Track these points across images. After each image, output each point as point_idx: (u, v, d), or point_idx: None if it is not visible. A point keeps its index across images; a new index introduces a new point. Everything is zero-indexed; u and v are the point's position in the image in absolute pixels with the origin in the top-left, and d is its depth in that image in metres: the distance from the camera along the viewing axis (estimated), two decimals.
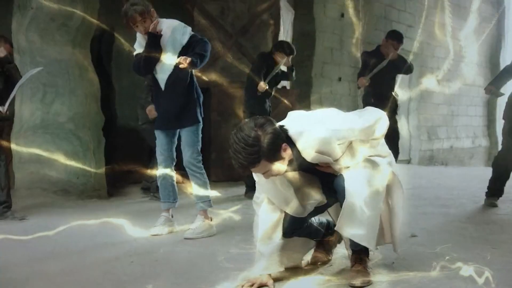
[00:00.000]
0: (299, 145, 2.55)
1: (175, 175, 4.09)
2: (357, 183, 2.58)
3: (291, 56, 5.72)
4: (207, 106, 6.12)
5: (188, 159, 3.90)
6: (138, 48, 3.89)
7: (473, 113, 12.77)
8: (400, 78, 6.69)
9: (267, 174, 2.53)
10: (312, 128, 2.56)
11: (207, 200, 3.98)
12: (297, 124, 2.60)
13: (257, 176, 2.69)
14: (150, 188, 5.71)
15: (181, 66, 3.64)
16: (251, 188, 5.79)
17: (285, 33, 7.82)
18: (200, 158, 3.95)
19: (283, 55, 5.65)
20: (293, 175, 2.69)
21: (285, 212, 2.72)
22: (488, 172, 5.28)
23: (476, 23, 12.48)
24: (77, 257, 3.33)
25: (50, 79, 5.60)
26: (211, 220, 3.99)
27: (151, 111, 5.29)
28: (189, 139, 3.89)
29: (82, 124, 5.72)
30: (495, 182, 5.11)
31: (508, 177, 5.13)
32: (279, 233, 2.71)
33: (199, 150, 3.95)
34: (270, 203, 2.72)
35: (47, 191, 5.54)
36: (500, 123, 6.39)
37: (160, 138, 3.99)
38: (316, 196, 2.76)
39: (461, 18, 11.94)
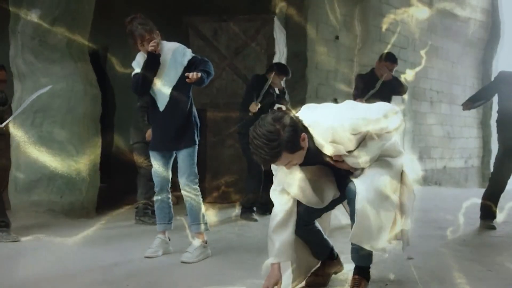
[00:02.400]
0: (314, 134, 2.62)
1: (170, 197, 4.08)
2: (369, 192, 2.62)
3: (284, 77, 5.76)
4: (203, 127, 6.12)
5: (184, 181, 3.89)
6: (137, 67, 3.88)
7: (467, 134, 12.84)
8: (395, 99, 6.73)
9: (289, 164, 2.61)
10: (327, 118, 2.62)
11: (203, 223, 3.96)
12: (312, 114, 2.67)
13: (275, 168, 2.76)
14: (136, 211, 5.59)
15: (188, 80, 3.65)
16: (247, 209, 5.78)
17: (280, 54, 7.87)
18: (197, 180, 3.94)
19: (278, 76, 5.72)
20: (309, 167, 2.75)
21: (300, 205, 2.78)
22: (482, 193, 5.29)
23: (468, 46, 12.67)
24: (72, 280, 3.30)
25: (48, 100, 5.59)
26: (206, 242, 3.97)
27: (150, 135, 5.25)
28: (186, 161, 3.88)
29: (81, 146, 5.70)
30: (488, 204, 5.12)
31: (498, 198, 5.15)
32: (291, 224, 2.77)
33: (196, 172, 3.94)
34: (285, 193, 2.78)
35: (38, 211, 5.51)
36: (495, 145, 6.42)
37: (156, 159, 3.97)
38: (330, 190, 2.82)
39: (452, 40, 12.09)
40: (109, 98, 7.86)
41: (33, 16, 5.48)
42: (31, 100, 4.32)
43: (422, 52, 10.48)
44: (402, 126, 2.71)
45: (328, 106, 2.76)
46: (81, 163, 5.67)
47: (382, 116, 2.65)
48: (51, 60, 5.63)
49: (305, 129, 2.61)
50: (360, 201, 2.60)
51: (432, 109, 11.67)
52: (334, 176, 2.86)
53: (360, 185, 2.64)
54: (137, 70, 3.87)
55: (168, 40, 3.97)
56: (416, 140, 11.07)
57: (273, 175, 2.86)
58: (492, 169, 5.34)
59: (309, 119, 2.65)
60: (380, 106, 2.75)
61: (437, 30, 11.61)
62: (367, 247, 2.63)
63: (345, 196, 2.80)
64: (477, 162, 13.21)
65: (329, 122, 2.61)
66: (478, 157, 13.22)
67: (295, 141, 2.52)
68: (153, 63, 3.76)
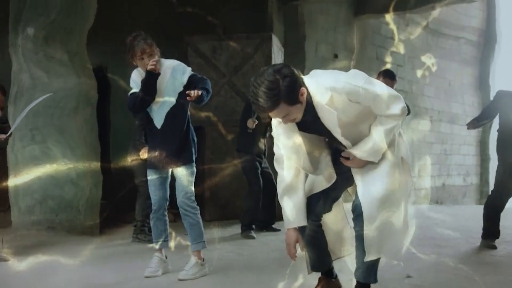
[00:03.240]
0: (314, 94, 2.63)
1: (167, 214, 4.06)
2: (374, 205, 2.66)
3: None
4: (201, 144, 6.13)
5: (182, 199, 3.88)
6: (134, 86, 3.87)
7: (465, 152, 12.85)
8: None
9: (286, 118, 2.62)
10: (328, 79, 2.66)
11: (201, 241, 3.94)
12: (316, 76, 2.71)
13: (275, 130, 2.80)
14: (134, 229, 5.57)
15: (188, 98, 3.65)
16: (246, 227, 5.75)
17: None
18: (194, 198, 3.93)
19: None
20: (307, 136, 2.78)
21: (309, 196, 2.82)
22: (481, 211, 5.28)
23: (464, 65, 12.77)
24: None
25: (45, 119, 5.59)
26: (203, 260, 3.95)
27: (144, 153, 5.23)
28: (183, 179, 3.87)
29: (83, 172, 5.70)
30: (489, 222, 5.11)
31: (499, 218, 5.13)
32: (300, 188, 2.83)
33: (193, 190, 3.93)
34: (289, 159, 2.82)
35: (39, 229, 5.48)
36: (493, 163, 6.44)
37: (153, 178, 3.96)
38: (324, 162, 2.86)
39: (448, 59, 12.17)
40: (109, 115, 7.87)
41: (30, 31, 5.51)
42: (31, 107, 4.31)
43: (419, 73, 10.58)
44: (406, 112, 2.70)
45: (334, 72, 2.77)
46: (80, 181, 5.66)
47: (385, 93, 2.65)
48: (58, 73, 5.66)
49: (306, 87, 2.64)
50: (368, 219, 2.66)
51: (432, 128, 11.70)
52: (330, 153, 2.90)
53: (365, 199, 2.68)
54: (134, 89, 3.85)
55: (167, 58, 3.98)
56: (416, 158, 11.08)
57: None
58: (490, 187, 5.34)
59: (311, 79, 2.69)
60: (386, 86, 2.74)
61: (434, 49, 11.68)
62: (387, 254, 2.71)
63: (345, 180, 2.86)
64: (476, 179, 13.22)
65: (330, 83, 2.63)
66: (476, 174, 13.23)
67: (294, 93, 2.55)
68: (152, 82, 3.75)
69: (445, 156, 12.16)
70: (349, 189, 3.05)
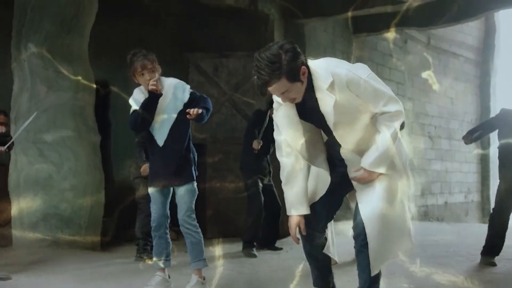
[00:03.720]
0: (315, 76, 2.65)
1: (168, 233, 4.05)
2: (377, 223, 2.66)
3: None
4: (202, 162, 6.14)
5: (182, 217, 3.87)
6: (134, 104, 3.88)
7: (466, 169, 12.86)
8: None
9: (286, 95, 2.64)
10: (332, 64, 2.68)
11: (201, 259, 3.92)
12: (320, 61, 2.74)
13: (276, 112, 2.80)
14: (137, 248, 5.53)
15: (189, 116, 3.68)
16: (248, 244, 5.72)
17: None
18: (194, 215, 3.91)
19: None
20: (307, 126, 2.79)
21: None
22: (483, 229, 5.27)
23: (465, 83, 12.83)
24: None
25: (46, 134, 5.62)
26: (204, 279, 3.93)
27: (145, 169, 5.18)
28: (184, 197, 3.87)
29: (85, 189, 5.71)
30: (491, 240, 5.10)
31: (504, 236, 5.12)
32: (300, 176, 2.82)
33: (193, 207, 3.92)
34: (288, 146, 2.81)
35: (41, 247, 5.48)
36: (494, 180, 6.43)
37: (154, 196, 3.96)
38: (319, 156, 2.85)
39: (448, 76, 12.22)
40: (110, 130, 7.89)
41: (31, 46, 5.55)
42: (23, 129, 4.33)
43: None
44: (402, 115, 2.70)
45: (340, 60, 2.77)
46: (82, 198, 5.66)
47: (385, 91, 2.67)
48: (59, 87, 5.69)
49: (308, 68, 2.65)
50: (372, 237, 2.66)
51: (432, 145, 11.71)
52: (325, 150, 2.91)
53: (368, 219, 2.67)
54: (135, 107, 3.86)
55: (169, 75, 4.00)
56: (416, 175, 11.08)
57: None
58: (492, 205, 5.34)
59: (315, 62, 2.71)
60: (387, 87, 2.76)
61: (434, 67, 11.73)
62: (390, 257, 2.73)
63: (343, 184, 2.84)
64: (477, 197, 13.20)
65: (333, 69, 2.65)
66: (477, 191, 13.21)
67: (295, 69, 2.58)
68: (154, 103, 3.77)
69: (445, 173, 12.16)
70: (348, 195, 3.02)
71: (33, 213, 5.55)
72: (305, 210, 2.82)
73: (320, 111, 2.69)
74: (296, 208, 2.82)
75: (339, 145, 2.80)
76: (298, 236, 2.85)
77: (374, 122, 2.75)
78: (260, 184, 5.83)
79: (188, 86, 3.95)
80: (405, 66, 10.87)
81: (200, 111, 3.68)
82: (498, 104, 12.86)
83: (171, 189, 3.96)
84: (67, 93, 5.69)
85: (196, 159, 4.02)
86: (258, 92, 2.65)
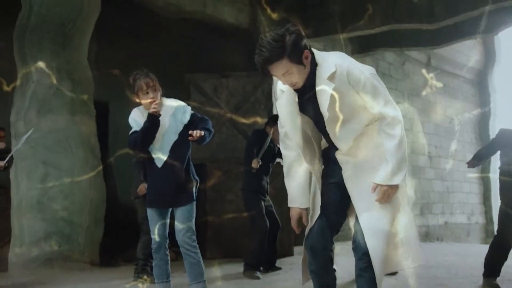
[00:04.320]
0: (319, 65, 2.64)
1: (168, 254, 4.02)
2: (380, 242, 2.64)
3: None
4: (203, 182, 6.11)
5: (182, 237, 3.83)
6: (133, 125, 3.86)
7: (468, 189, 12.84)
8: None
9: (287, 77, 2.63)
10: (339, 57, 2.68)
11: (201, 281, 3.88)
12: (325, 52, 2.75)
13: (279, 100, 2.79)
14: (136, 268, 5.46)
15: (190, 138, 3.67)
16: (250, 266, 5.66)
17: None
18: (194, 237, 3.87)
19: (274, 129, 5.73)
20: (305, 119, 2.78)
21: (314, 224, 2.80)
22: (484, 250, 5.23)
23: (465, 102, 12.87)
24: None
25: (49, 155, 5.61)
26: None
27: (142, 189, 5.22)
28: (183, 218, 3.84)
29: (82, 210, 5.68)
30: (493, 261, 5.06)
31: (506, 258, 5.08)
32: (299, 170, 2.84)
33: (194, 228, 3.89)
34: (289, 139, 2.83)
35: (40, 266, 5.44)
36: (495, 199, 6.41)
37: (153, 217, 3.92)
38: (313, 153, 2.84)
39: (448, 96, 12.27)
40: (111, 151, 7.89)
41: (41, 65, 5.57)
42: (19, 147, 4.33)
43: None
44: (401, 120, 2.66)
45: (350, 58, 2.76)
46: (81, 218, 5.64)
47: (386, 94, 2.66)
48: (55, 111, 5.69)
49: (313, 55, 2.66)
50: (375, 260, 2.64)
51: (431, 164, 11.71)
52: (319, 151, 2.90)
53: (371, 239, 2.65)
54: (134, 127, 3.85)
55: (169, 96, 4.00)
56: (417, 196, 11.05)
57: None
58: (495, 226, 5.30)
59: (320, 52, 2.72)
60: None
61: (434, 86, 11.77)
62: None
63: (341, 196, 2.80)
64: (481, 218, 13.15)
65: (336, 60, 2.65)
66: (481, 213, 13.18)
67: (298, 51, 2.58)
68: (154, 125, 3.76)
69: (446, 193, 12.13)
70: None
71: (34, 233, 5.53)
72: (304, 204, 2.86)
73: (317, 102, 2.68)
74: (295, 201, 2.87)
75: (335, 148, 2.78)
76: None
77: (371, 129, 2.72)
78: (263, 206, 5.79)
79: (189, 108, 3.94)
80: (404, 86, 10.93)
81: (202, 133, 3.67)
82: (498, 124, 12.91)
83: (170, 209, 3.94)
84: (66, 115, 5.70)
85: (198, 180, 4.00)
86: (261, 71, 2.65)
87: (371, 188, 2.68)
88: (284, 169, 2.92)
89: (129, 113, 3.97)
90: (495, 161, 5.70)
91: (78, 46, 5.93)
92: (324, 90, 2.63)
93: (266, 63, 2.59)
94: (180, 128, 3.83)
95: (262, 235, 5.65)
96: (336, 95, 2.61)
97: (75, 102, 5.83)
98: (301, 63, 2.61)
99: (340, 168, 2.81)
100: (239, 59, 7.98)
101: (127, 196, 6.22)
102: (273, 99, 7.78)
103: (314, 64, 2.66)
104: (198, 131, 3.66)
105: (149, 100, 3.74)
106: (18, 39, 5.80)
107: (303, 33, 2.64)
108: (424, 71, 11.28)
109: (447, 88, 12.22)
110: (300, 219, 2.88)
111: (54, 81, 5.64)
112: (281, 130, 2.88)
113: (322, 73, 2.64)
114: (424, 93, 11.25)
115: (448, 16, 7.32)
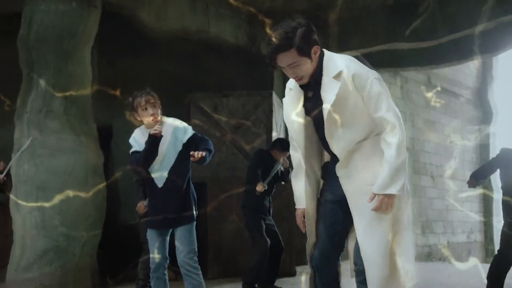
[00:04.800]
0: (325, 63, 2.67)
1: (166, 273, 3.97)
2: (380, 266, 2.62)
3: (287, 154, 5.77)
4: (203, 201, 6.09)
5: (183, 258, 3.79)
6: (134, 145, 3.86)
7: (468, 208, 12.79)
8: None
9: (293, 69, 2.64)
10: (347, 59, 2.70)
11: None
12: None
13: (286, 97, 2.84)
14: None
15: (192, 159, 3.66)
16: (246, 284, 5.62)
17: (278, 128, 7.96)
18: (196, 258, 3.83)
19: (282, 153, 5.72)
20: (310, 130, 2.79)
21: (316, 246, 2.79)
22: (486, 269, 5.19)
23: (465, 122, 12.89)
24: None
25: (47, 176, 5.59)
26: None
27: (140, 207, 5.20)
28: (184, 238, 3.79)
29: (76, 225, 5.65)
30: (494, 280, 5.01)
31: (505, 276, 5.04)
32: (301, 174, 2.84)
33: (196, 249, 3.84)
34: (293, 139, 2.87)
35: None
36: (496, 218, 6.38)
37: (153, 237, 3.88)
38: (315, 158, 2.86)
39: (448, 115, 12.29)
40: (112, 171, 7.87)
41: (42, 83, 5.59)
42: (17, 157, 4.32)
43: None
44: (402, 131, 2.64)
45: (360, 63, 2.74)
46: (79, 234, 5.60)
47: (389, 101, 2.65)
48: (53, 133, 5.68)
49: (322, 53, 2.69)
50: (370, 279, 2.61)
51: (433, 183, 11.68)
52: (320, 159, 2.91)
53: (369, 265, 2.62)
54: (135, 147, 3.84)
55: (170, 115, 3.99)
56: (417, 214, 11.01)
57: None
58: (495, 245, 5.27)
59: (334, 54, 2.74)
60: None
61: (435, 106, 11.80)
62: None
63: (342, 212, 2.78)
64: (480, 237, 13.07)
65: (344, 61, 2.67)
66: (480, 231, 13.10)
67: (307, 44, 2.61)
68: (155, 146, 3.73)
69: (447, 212, 12.09)
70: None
71: (32, 253, 5.49)
72: (304, 206, 2.87)
73: (321, 99, 2.67)
74: (300, 202, 2.89)
75: (335, 162, 2.75)
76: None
77: (371, 144, 2.69)
78: (263, 225, 5.76)
79: (190, 127, 3.91)
80: (405, 106, 10.95)
81: (203, 154, 3.65)
82: (498, 143, 12.90)
83: (170, 229, 3.90)
84: (69, 135, 5.69)
85: (196, 199, 3.97)
86: (269, 62, 2.67)
87: (370, 205, 2.63)
88: (293, 170, 2.95)
89: (129, 135, 3.97)
90: (495, 180, 5.67)
91: (81, 59, 5.94)
92: (329, 87, 2.63)
93: (275, 52, 2.61)
94: (179, 147, 3.82)
95: (261, 254, 5.61)
96: (340, 94, 2.61)
97: (77, 122, 5.82)
98: (309, 56, 2.63)
99: (339, 184, 2.77)
100: (239, 78, 8.00)
101: (129, 216, 6.20)
102: (274, 118, 7.79)
103: (321, 62, 2.68)
104: (200, 152, 3.65)
105: (150, 118, 3.74)
106: (23, 55, 5.83)
107: (314, 28, 2.68)
108: (423, 88, 11.31)
109: (448, 107, 12.25)
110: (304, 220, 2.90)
111: (57, 100, 5.64)
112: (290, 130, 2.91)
113: (329, 71, 2.65)
114: (425, 112, 11.28)
115: (448, 33, 7.35)
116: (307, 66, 2.65)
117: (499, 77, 13.78)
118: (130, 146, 3.92)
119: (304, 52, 2.61)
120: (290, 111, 2.81)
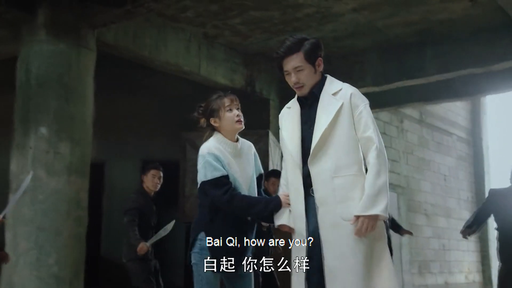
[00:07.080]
0: (328, 79, 2.86)
1: None
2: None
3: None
4: None
5: None
6: (215, 165, 3.06)
7: (465, 247, 12.71)
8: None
9: (297, 73, 2.78)
10: (348, 85, 2.85)
11: None
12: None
13: (283, 111, 3.00)
14: None
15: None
16: None
17: (274, 167, 7.96)
18: None
19: (276, 180, 5.70)
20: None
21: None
22: None
23: (460, 160, 12.94)
24: None
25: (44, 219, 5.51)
26: None
27: (142, 248, 4.97)
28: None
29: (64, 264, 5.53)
30: None
31: None
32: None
33: None
34: (285, 160, 2.98)
35: None
36: (494, 258, 6.32)
37: (210, 280, 3.04)
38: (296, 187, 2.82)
39: (442, 153, 12.34)
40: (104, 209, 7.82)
41: (43, 131, 5.54)
42: (19, 195, 4.28)
43: None
44: (384, 156, 2.70)
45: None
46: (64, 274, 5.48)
47: (376, 129, 2.74)
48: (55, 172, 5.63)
49: (325, 74, 2.87)
50: None
51: (428, 222, 11.64)
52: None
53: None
54: (220, 171, 2.93)
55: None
56: (413, 253, 10.93)
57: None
58: (494, 285, 5.22)
59: (335, 79, 2.90)
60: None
61: (428, 144, 11.88)
62: None
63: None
64: (478, 277, 12.95)
65: (345, 84, 2.83)
66: (478, 272, 12.99)
67: (314, 53, 2.80)
68: (272, 211, 2.92)
69: (443, 251, 12.00)
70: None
71: None
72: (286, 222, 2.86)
73: (315, 114, 2.76)
74: (282, 218, 2.86)
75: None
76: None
77: (352, 177, 2.66)
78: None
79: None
80: (399, 145, 11.00)
81: None
82: (493, 181, 12.93)
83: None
84: (64, 177, 5.64)
85: None
86: (276, 65, 2.85)
87: (349, 231, 2.58)
88: (282, 178, 3.00)
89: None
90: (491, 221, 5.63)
91: (82, 98, 5.93)
92: (328, 103, 2.75)
93: (284, 53, 2.78)
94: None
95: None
96: (337, 112, 2.71)
97: (73, 164, 5.77)
98: (313, 65, 2.80)
99: (316, 222, 2.69)
100: None
101: (114, 256, 6.02)
102: (270, 156, 7.79)
103: (323, 79, 2.85)
104: None
105: (235, 119, 3.06)
106: (20, 105, 5.78)
107: (322, 46, 2.86)
108: (417, 127, 11.40)
109: (441, 145, 12.32)
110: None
111: (53, 144, 5.60)
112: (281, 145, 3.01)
113: (329, 89, 2.80)
114: (419, 150, 11.33)
115: (438, 72, 7.47)
116: (311, 75, 2.80)
117: (490, 114, 13.95)
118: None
119: (310, 59, 2.78)
120: (286, 119, 2.97)
